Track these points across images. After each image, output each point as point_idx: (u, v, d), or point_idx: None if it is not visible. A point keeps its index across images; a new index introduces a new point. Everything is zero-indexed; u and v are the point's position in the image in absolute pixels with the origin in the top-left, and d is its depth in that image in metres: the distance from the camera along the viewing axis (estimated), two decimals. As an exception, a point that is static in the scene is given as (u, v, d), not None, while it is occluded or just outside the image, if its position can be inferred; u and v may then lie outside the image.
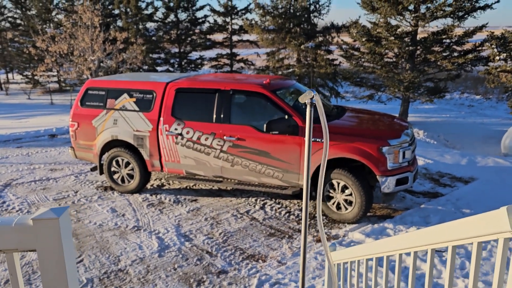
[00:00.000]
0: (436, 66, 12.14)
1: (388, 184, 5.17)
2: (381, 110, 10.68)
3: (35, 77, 22.20)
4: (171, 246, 4.95)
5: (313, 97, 1.18)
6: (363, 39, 12.19)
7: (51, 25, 21.78)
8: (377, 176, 5.19)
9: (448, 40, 11.99)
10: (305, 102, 1.19)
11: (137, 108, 6.25)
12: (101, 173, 6.69)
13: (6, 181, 7.32)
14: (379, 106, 14.37)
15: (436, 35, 11.74)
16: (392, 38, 11.74)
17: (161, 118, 6.09)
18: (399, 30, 11.89)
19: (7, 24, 25.47)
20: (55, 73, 21.10)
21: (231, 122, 5.76)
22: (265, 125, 5.39)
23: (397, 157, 5.21)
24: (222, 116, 5.79)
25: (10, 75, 28.07)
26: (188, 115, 5.99)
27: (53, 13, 22.37)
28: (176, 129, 6.00)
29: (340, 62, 14.96)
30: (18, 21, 24.91)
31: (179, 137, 5.98)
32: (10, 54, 24.89)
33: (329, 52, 14.90)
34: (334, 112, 6.20)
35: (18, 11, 24.47)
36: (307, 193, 1.25)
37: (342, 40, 13.91)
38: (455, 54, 11.97)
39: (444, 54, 11.97)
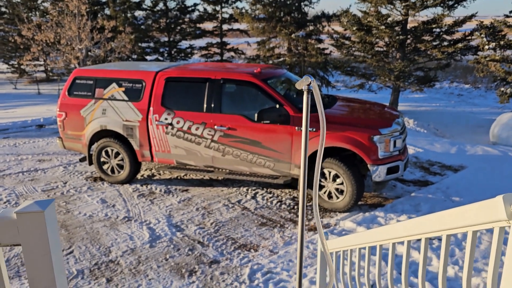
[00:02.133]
0: (426, 55, 12.17)
1: (379, 173, 5.19)
2: (371, 99, 10.69)
3: (21, 67, 21.82)
4: (162, 236, 4.92)
5: (310, 83, 1.15)
6: (354, 28, 12.15)
7: (37, 13, 21.36)
8: (368, 165, 5.20)
9: (438, 30, 12.00)
10: (302, 89, 1.15)
11: (126, 98, 6.16)
12: (90, 163, 6.61)
13: (-7, 172, 7.20)
14: (370, 95, 14.39)
15: (426, 24, 11.75)
16: (383, 27, 11.72)
17: (151, 108, 6.01)
18: (389, 19, 11.86)
19: (-8, 12, 24.90)
20: (42, 63, 20.75)
21: (222, 112, 5.71)
22: (256, 115, 5.36)
23: (388, 146, 5.22)
24: (212, 105, 5.74)
25: (-5, 65, 27.49)
26: (178, 105, 5.92)
27: (39, 1, 21.93)
28: (166, 118, 5.93)
29: (330, 51, 14.92)
30: (3, 9, 24.38)
31: (169, 127, 5.92)
32: (-5, 43, 24.37)
33: (320, 41, 14.85)
34: (325, 101, 6.18)
35: (3, -2, 23.92)
36: (304, 182, 1.23)
37: (332, 29, 13.85)
38: (445, 43, 12.00)
39: (434, 43, 11.99)
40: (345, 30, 12.87)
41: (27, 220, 0.77)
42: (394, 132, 5.32)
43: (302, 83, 1.16)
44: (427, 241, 1.37)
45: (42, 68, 22.07)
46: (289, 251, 4.57)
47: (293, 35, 14.24)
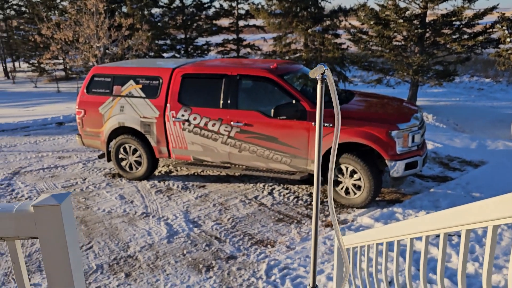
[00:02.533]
0: (446, 49, 11.94)
1: (397, 169, 5.12)
2: (389, 94, 10.56)
3: (41, 65, 22.23)
4: (179, 232, 4.96)
5: (324, 72, 1.13)
6: (371, 22, 11.99)
7: (56, 12, 21.70)
8: (386, 161, 5.14)
9: (458, 22, 11.76)
10: (316, 79, 1.14)
11: (143, 95, 6.22)
12: (109, 160, 6.70)
13: (15, 169, 7.37)
14: (388, 90, 14.19)
15: (445, 17, 11.52)
16: (401, 20, 11.54)
17: (168, 105, 6.05)
18: (408, 12, 11.67)
19: (12, 12, 25.45)
20: (61, 61, 21.10)
21: (238, 108, 5.72)
22: (272, 110, 5.34)
23: (406, 141, 5.15)
24: (229, 101, 5.75)
25: (16, 64, 28.13)
26: (194, 101, 5.95)
27: (58, 0, 22.28)
28: (183, 115, 5.96)
29: (348, 46, 14.76)
30: (23, 9, 24.86)
31: (186, 123, 5.95)
32: (16, 42, 24.93)
33: (337, 36, 14.71)
34: (342, 96, 6.12)
35: (23, -2, 24.40)
36: (318, 179, 1.21)
37: (349, 24, 13.69)
38: (465, 36, 11.75)
39: (454, 36, 11.75)
40: (363, 24, 12.72)
41: (44, 214, 0.78)
42: (412, 127, 5.24)
43: (316, 72, 1.14)
44: (445, 236, 1.34)
45: (61, 67, 22.44)
46: (306, 247, 4.55)
47: (309, 30, 14.14)
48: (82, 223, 5.25)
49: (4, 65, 25.37)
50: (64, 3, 21.67)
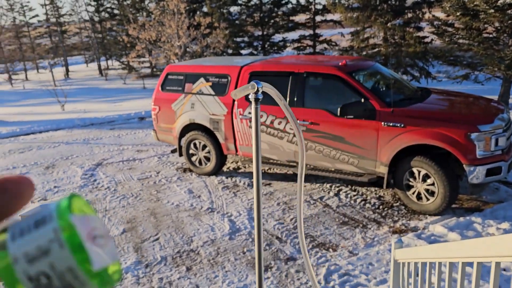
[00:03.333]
0: (546, 41, 10.68)
1: (476, 174, 4.67)
2: (478, 91, 9.70)
3: (130, 64, 23.80)
4: (242, 229, 4.99)
5: (257, 90, 1.01)
6: (458, 13, 11.09)
7: (144, 13, 23.05)
8: (464, 165, 4.71)
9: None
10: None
11: (212, 92, 6.34)
12: (180, 155, 6.95)
13: (98, 160, 7.94)
14: (476, 87, 13.06)
15: (547, 4, 10.29)
16: (492, 11, 10.52)
17: (236, 102, 6.11)
18: (500, 1, 10.60)
19: (106, 15, 27.51)
20: (147, 59, 22.39)
21: (305, 106, 5.60)
22: (339, 109, 5.15)
23: (488, 145, 4.67)
24: (295, 99, 5.65)
25: (109, 62, 30.44)
26: (261, 99, 5.92)
27: (146, 2, 23.65)
28: (250, 113, 5.98)
29: (431, 40, 13.83)
30: (115, 11, 26.76)
31: (253, 121, 5.96)
32: (108, 42, 26.96)
33: (419, 29, 13.85)
34: (417, 94, 5.74)
35: (115, 1, 26.26)
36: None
37: (433, 16, 12.81)
38: None
39: (557, 26, 10.46)
40: (448, 16, 11.81)
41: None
42: (496, 129, 4.74)
43: (244, 91, 1.01)
44: (498, 266, 1.15)
45: (147, 64, 23.82)
46: (369, 253, 4.33)
47: (389, 24, 13.47)
48: (152, 215, 5.50)
49: (98, 63, 27.60)
50: (151, 5, 22.94)
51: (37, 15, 31.13)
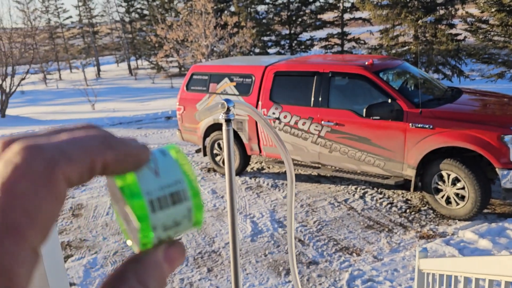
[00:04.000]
0: None
1: (510, 178, 4.45)
2: (512, 90, 9.30)
3: (159, 63, 24.12)
4: (264, 231, 4.94)
5: (228, 110, 0.93)
6: (493, 10, 10.69)
7: (172, 13, 23.32)
8: (497, 169, 4.49)
9: None
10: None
11: (237, 92, 6.31)
12: (205, 155, 6.96)
13: (125, 159, 8.05)
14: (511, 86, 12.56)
15: None
16: (530, 6, 10.08)
17: (260, 102, 6.06)
18: (539, -4, 10.15)
19: (136, 15, 28.02)
20: (175, 59, 22.65)
21: (330, 106, 5.49)
22: (364, 110, 5.01)
23: (523, 148, 4.44)
24: (320, 99, 5.55)
25: (139, 62, 30.98)
26: (285, 99, 5.86)
27: (175, 2, 23.92)
28: (273, 113, 5.92)
29: (464, 37, 13.39)
30: (145, 12, 27.22)
31: (277, 121, 5.90)
32: (138, 42, 27.43)
33: (452, 26, 13.42)
34: (447, 94, 5.53)
35: (145, 1, 26.71)
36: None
37: (467, 12, 12.39)
38: None
39: None
40: (482, 12, 11.41)
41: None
42: (532, 131, 4.50)
43: (210, 111, 0.93)
44: (507, 286, 1.06)
45: (175, 64, 24.10)
46: (395, 259, 4.20)
47: (420, 21, 13.11)
48: (175, 215, 5.51)
49: (128, 63, 28.12)
50: (180, 5, 23.18)
51: (70, 17, 31.93)
